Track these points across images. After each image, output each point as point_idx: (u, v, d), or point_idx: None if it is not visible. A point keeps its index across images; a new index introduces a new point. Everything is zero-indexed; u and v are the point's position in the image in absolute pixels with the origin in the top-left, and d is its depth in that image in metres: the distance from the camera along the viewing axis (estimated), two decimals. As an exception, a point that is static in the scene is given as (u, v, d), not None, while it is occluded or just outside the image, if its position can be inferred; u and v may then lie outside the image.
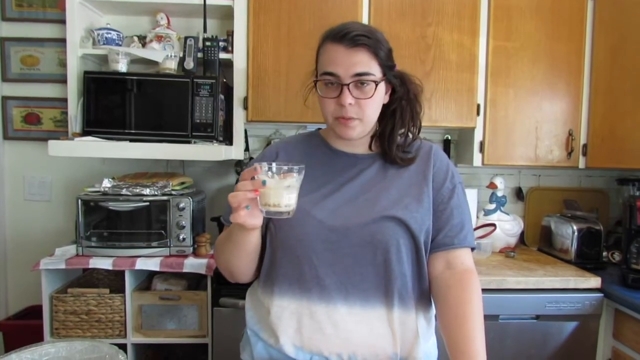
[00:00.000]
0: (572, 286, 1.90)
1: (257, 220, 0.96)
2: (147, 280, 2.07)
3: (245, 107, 2.12)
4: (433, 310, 1.17)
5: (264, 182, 0.91)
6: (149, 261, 1.91)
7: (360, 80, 1.04)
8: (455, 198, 1.14)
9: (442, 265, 1.11)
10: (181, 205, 1.97)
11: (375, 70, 1.06)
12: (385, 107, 1.14)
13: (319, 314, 1.05)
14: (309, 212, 1.06)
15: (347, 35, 1.03)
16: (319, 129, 1.27)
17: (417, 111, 1.15)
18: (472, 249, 1.16)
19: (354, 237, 1.05)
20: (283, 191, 0.93)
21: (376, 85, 1.06)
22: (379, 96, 1.09)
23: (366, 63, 1.04)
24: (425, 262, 1.11)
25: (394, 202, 1.08)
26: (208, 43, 2.09)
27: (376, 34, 1.07)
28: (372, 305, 1.06)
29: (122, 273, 1.92)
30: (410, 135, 1.16)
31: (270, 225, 1.11)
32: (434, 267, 1.12)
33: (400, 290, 1.07)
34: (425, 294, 1.13)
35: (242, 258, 1.10)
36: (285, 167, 0.94)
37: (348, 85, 1.04)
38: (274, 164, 0.94)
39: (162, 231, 1.97)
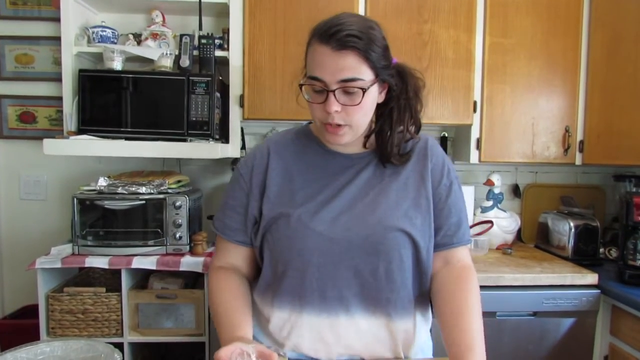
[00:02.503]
0: (569, 282, 1.91)
1: None
2: (143, 279, 2.07)
3: (242, 105, 2.11)
4: (429, 309, 1.17)
5: None
6: (146, 260, 1.90)
7: (347, 87, 0.96)
8: (452, 195, 1.11)
9: (440, 263, 1.11)
10: (177, 203, 1.96)
11: (366, 74, 0.97)
12: (382, 105, 1.07)
13: (320, 325, 1.04)
14: (307, 224, 1.02)
15: (336, 35, 0.94)
16: (310, 122, 1.19)
17: (416, 109, 1.09)
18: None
19: (356, 249, 1.02)
20: None
21: (364, 92, 0.97)
22: (369, 100, 1.01)
23: (354, 68, 0.95)
24: (426, 268, 1.09)
25: (393, 207, 1.04)
26: (204, 41, 2.08)
27: (370, 32, 0.97)
28: (373, 314, 1.05)
29: (118, 272, 1.91)
30: (408, 135, 1.10)
31: (268, 236, 1.07)
32: (432, 265, 1.12)
33: (403, 299, 1.06)
34: (425, 296, 1.13)
35: None
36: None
37: (334, 91, 0.96)
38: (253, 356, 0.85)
39: (159, 230, 1.97)
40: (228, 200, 1.13)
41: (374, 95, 1.02)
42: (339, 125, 1.00)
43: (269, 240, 1.07)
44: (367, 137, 1.09)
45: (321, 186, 1.07)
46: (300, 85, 1.02)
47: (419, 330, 1.11)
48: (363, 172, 1.09)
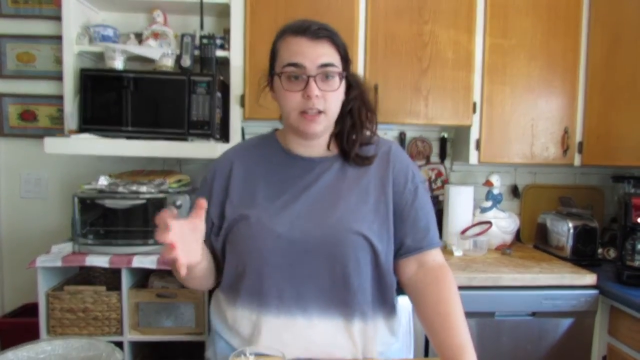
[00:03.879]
0: (567, 283, 1.91)
1: (192, 257, 0.94)
2: (143, 277, 2.07)
3: (242, 105, 2.12)
4: (397, 317, 1.18)
5: None
6: (146, 259, 1.90)
7: (326, 71, 1.04)
8: (418, 200, 1.14)
9: (414, 267, 1.14)
10: (178, 202, 1.97)
11: (338, 63, 1.06)
12: (342, 106, 1.13)
13: (278, 325, 1.06)
14: (267, 225, 1.05)
15: (310, 28, 1.04)
16: (276, 129, 1.24)
17: (372, 109, 1.16)
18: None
19: (313, 251, 1.05)
20: None
21: (341, 77, 1.06)
22: (342, 90, 1.09)
23: (330, 54, 1.05)
24: (386, 272, 1.11)
25: (352, 211, 1.07)
26: (205, 40, 2.08)
27: (333, 29, 1.08)
28: (330, 317, 1.07)
29: (118, 271, 1.91)
30: (368, 133, 1.16)
31: (230, 237, 1.10)
32: (406, 270, 1.14)
33: (360, 303, 1.08)
34: (388, 302, 1.14)
35: (193, 283, 1.11)
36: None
37: (315, 77, 1.03)
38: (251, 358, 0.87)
39: (159, 229, 1.97)
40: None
41: (343, 87, 1.10)
42: (317, 113, 1.05)
43: (231, 241, 1.10)
44: (330, 137, 1.15)
45: (282, 189, 1.10)
46: (277, 75, 1.07)
47: (381, 335, 1.12)
48: (324, 175, 1.12)
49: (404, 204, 1.12)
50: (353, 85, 1.13)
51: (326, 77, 1.04)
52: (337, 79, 1.05)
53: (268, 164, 1.15)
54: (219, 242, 1.12)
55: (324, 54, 1.04)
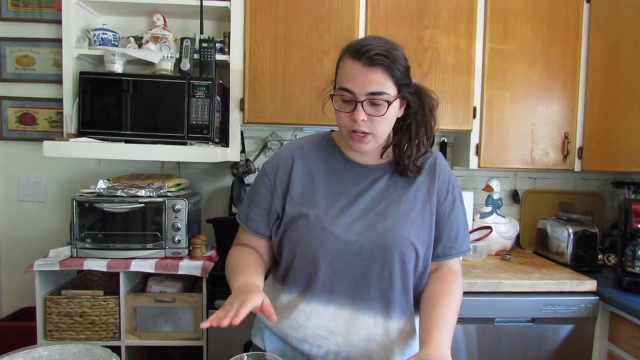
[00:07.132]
0: (567, 289, 1.91)
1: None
2: (141, 282, 2.06)
3: (242, 109, 2.11)
4: None
5: None
6: (144, 263, 1.90)
7: (373, 99, 1.07)
8: (455, 211, 1.21)
9: (432, 268, 1.21)
10: (177, 206, 1.96)
11: (390, 89, 1.08)
12: (400, 120, 1.17)
13: (326, 315, 1.14)
14: (325, 226, 1.13)
15: (367, 54, 1.06)
16: (332, 130, 1.29)
17: (431, 125, 1.19)
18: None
19: (365, 252, 1.12)
20: None
21: (389, 104, 1.08)
22: (392, 113, 1.12)
23: (381, 82, 1.07)
24: (424, 275, 1.18)
25: (401, 218, 1.14)
26: (204, 44, 2.08)
27: (394, 53, 1.08)
28: (373, 313, 1.14)
29: (116, 275, 1.91)
30: (423, 148, 1.20)
31: (289, 233, 1.17)
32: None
33: (401, 302, 1.16)
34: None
35: None
36: None
37: (362, 102, 1.07)
38: None
39: (158, 233, 1.96)
40: (252, 196, 1.24)
41: (396, 109, 1.13)
42: (365, 134, 1.11)
43: (289, 236, 1.17)
44: (384, 148, 1.20)
45: (339, 192, 1.18)
46: (331, 96, 1.14)
47: (417, 336, 1.16)
48: (378, 183, 1.19)
49: (442, 214, 1.20)
50: (412, 102, 1.15)
51: (374, 103, 1.08)
52: (384, 105, 1.08)
53: (327, 166, 1.21)
54: (278, 236, 1.20)
55: (375, 81, 1.07)
